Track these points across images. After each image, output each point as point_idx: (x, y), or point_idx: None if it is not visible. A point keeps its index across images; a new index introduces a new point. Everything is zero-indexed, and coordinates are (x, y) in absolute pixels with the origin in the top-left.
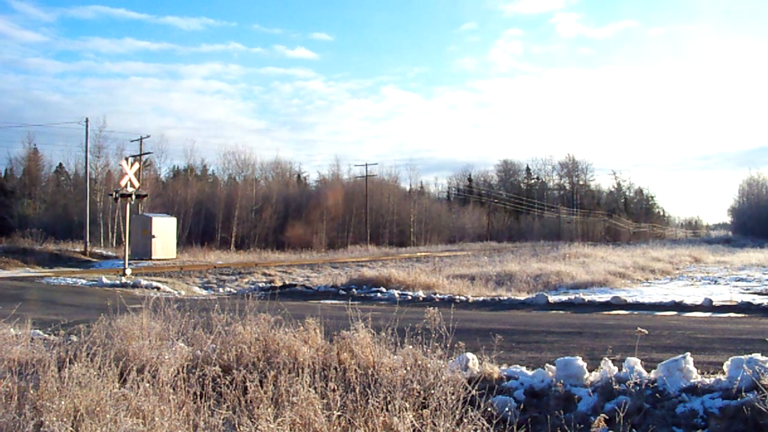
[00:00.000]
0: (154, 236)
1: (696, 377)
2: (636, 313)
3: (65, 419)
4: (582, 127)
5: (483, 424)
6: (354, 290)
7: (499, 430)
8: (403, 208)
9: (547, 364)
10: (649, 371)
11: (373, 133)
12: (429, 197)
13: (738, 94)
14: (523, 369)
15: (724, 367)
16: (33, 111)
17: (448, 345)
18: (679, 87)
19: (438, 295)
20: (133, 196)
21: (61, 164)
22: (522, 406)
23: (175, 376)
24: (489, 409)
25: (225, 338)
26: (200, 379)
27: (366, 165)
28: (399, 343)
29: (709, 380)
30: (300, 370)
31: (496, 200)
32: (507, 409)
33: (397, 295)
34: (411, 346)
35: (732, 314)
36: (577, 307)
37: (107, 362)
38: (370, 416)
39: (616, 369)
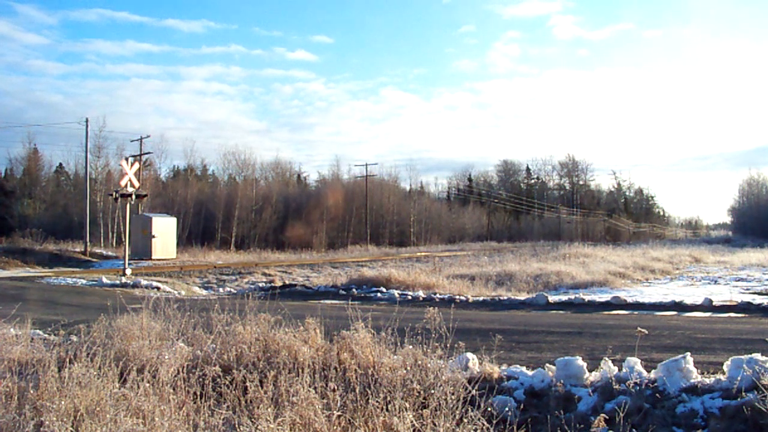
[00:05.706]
0: (154, 236)
1: (696, 377)
2: (636, 313)
3: (65, 419)
4: (581, 127)
5: (483, 424)
6: (354, 290)
7: (499, 430)
8: (403, 208)
9: (547, 364)
10: (649, 371)
11: (372, 134)
12: (429, 197)
13: (736, 95)
14: (523, 369)
15: (724, 367)
16: (34, 112)
17: (448, 345)
18: (677, 88)
19: (438, 295)
20: (133, 196)
21: (61, 164)
22: (522, 406)
23: (175, 376)
24: (489, 409)
25: (225, 338)
26: (200, 379)
27: (366, 165)
28: (399, 343)
29: (709, 380)
30: (300, 370)
31: (496, 200)
32: (507, 409)
33: (397, 295)
34: (411, 346)
35: (732, 314)
36: (577, 307)
37: (107, 362)
38: (370, 416)
39: (616, 369)
